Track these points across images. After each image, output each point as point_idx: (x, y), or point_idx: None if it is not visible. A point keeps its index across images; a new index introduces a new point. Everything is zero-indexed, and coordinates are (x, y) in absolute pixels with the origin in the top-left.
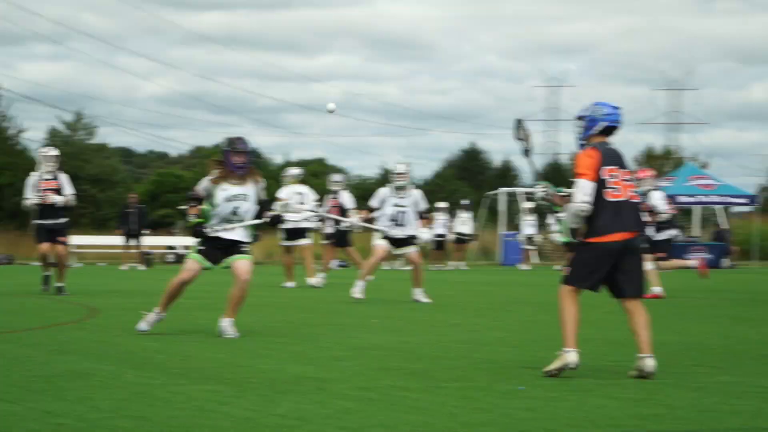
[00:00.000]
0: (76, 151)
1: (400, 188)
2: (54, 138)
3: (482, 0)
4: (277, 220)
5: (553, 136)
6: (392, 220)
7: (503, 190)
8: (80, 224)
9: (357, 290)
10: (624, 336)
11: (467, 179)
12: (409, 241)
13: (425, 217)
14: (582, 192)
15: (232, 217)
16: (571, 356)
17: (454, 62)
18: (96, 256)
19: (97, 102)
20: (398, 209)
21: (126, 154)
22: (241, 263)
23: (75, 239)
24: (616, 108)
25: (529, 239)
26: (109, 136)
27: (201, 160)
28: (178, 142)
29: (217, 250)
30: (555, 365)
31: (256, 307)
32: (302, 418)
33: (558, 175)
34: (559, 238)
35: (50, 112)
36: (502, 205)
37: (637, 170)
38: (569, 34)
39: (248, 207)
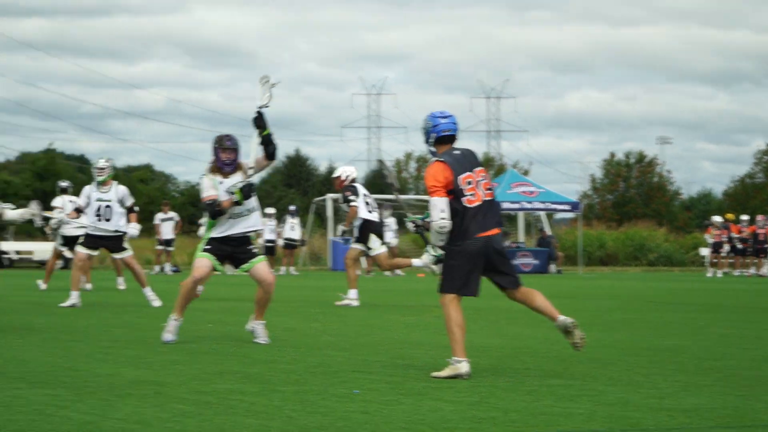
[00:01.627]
0: None
1: (101, 183)
2: None
3: (299, 8)
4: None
5: (375, 144)
6: (97, 215)
7: (330, 196)
8: None
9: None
10: None
11: (294, 185)
12: (118, 243)
13: (133, 211)
14: (437, 210)
15: (233, 212)
16: (463, 366)
17: (274, 70)
18: None
19: None
20: (102, 203)
21: None
22: (260, 266)
23: None
24: (446, 117)
25: None
26: None
27: (28, 165)
28: (4, 147)
29: (225, 247)
30: (445, 373)
31: (91, 308)
32: (142, 422)
33: (383, 182)
34: (432, 252)
35: None
36: (329, 211)
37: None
38: (386, 42)
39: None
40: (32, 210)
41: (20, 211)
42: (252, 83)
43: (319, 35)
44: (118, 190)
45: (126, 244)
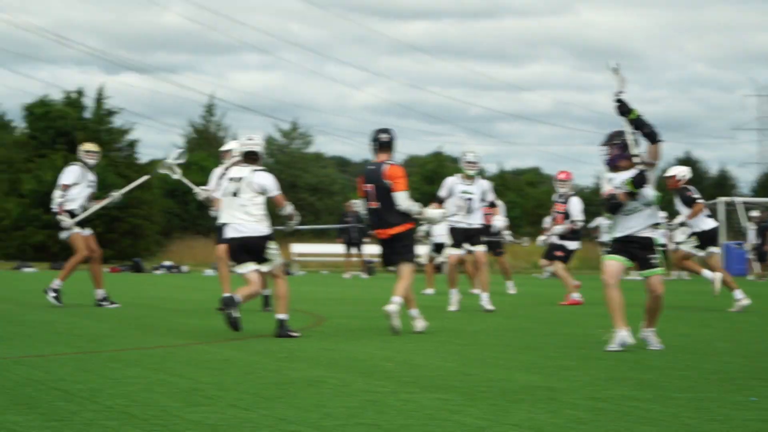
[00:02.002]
0: (292, 160)
1: (468, 177)
2: (270, 146)
3: (685, 9)
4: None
5: (767, 146)
6: (458, 208)
7: (722, 200)
8: (300, 233)
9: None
10: None
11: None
12: (477, 236)
13: (494, 205)
14: None
15: (628, 208)
16: None
17: (662, 71)
18: (318, 264)
19: (308, 111)
20: (465, 196)
21: (341, 162)
22: (654, 278)
23: (296, 248)
24: None
25: (755, 249)
26: (324, 145)
27: (416, 168)
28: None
29: (627, 248)
30: None
31: (481, 313)
32: (535, 428)
33: None
34: None
35: (263, 121)
36: (721, 215)
37: (558, 172)
38: None
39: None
40: (455, 205)
41: (440, 210)
42: (641, 85)
43: (707, 36)
44: (482, 185)
45: (482, 239)
